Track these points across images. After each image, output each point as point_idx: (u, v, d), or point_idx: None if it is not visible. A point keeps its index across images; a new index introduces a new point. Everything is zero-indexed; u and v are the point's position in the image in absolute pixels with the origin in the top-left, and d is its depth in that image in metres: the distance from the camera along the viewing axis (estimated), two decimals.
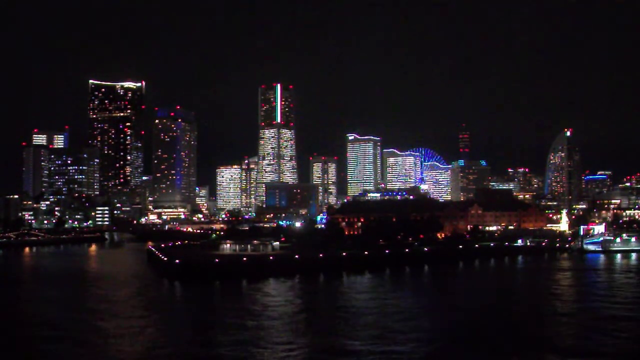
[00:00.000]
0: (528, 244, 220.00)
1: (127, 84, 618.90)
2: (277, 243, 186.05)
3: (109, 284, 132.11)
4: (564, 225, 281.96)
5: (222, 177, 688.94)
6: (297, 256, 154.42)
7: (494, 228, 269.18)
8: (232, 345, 71.62)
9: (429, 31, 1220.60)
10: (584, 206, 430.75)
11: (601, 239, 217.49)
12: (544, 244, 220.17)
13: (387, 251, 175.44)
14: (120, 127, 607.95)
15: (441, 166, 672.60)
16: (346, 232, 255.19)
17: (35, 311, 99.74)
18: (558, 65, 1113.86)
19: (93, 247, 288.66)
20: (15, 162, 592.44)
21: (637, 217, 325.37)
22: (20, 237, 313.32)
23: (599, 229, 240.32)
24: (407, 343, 72.26)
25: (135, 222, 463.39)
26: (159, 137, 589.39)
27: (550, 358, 67.32)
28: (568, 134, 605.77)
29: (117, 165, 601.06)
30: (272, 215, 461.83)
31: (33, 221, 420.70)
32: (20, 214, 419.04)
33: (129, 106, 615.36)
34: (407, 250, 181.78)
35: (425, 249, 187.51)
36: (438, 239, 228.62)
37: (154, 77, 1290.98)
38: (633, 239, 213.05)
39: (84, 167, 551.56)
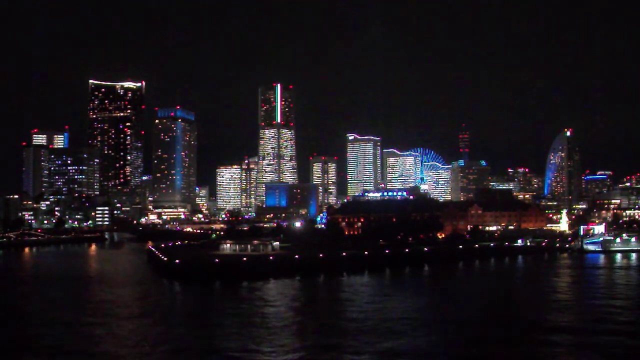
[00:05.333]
0: (528, 244, 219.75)
1: (127, 84, 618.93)
2: (277, 243, 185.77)
3: (109, 285, 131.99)
4: (564, 225, 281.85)
5: (222, 177, 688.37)
6: (297, 256, 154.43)
7: (494, 228, 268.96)
8: (232, 346, 71.59)
9: (429, 31, 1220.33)
10: (584, 206, 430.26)
11: (601, 239, 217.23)
12: (544, 244, 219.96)
13: (387, 251, 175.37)
14: (120, 127, 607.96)
15: (441, 166, 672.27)
16: (346, 232, 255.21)
17: (37, 312, 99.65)
18: (558, 65, 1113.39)
19: (93, 247, 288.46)
20: (15, 162, 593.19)
21: (637, 217, 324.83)
22: (20, 237, 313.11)
23: (599, 229, 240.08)
24: (405, 343, 72.26)
25: (135, 222, 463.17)
26: (159, 137, 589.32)
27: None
28: (568, 134, 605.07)
29: (117, 165, 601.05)
30: (272, 215, 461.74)
31: (33, 221, 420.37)
32: (20, 214, 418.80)
33: (129, 106, 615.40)
34: (407, 250, 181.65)
35: (425, 249, 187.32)
36: (438, 239, 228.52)
37: (154, 77, 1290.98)
38: (633, 239, 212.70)
39: (84, 167, 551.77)
